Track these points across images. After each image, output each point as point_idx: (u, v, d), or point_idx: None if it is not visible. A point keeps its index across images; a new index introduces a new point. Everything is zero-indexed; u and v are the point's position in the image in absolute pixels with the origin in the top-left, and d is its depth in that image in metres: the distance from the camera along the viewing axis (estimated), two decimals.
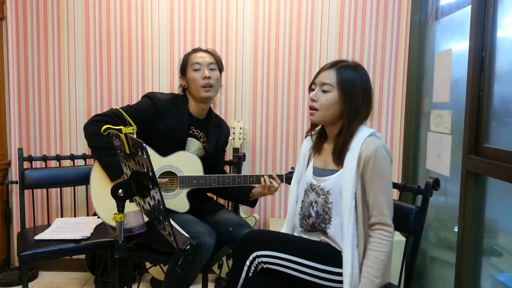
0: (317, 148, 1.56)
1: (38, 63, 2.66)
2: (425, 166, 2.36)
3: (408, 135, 2.57)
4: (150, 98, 1.88)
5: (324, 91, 1.42)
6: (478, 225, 1.70)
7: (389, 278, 1.44)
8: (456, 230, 1.81)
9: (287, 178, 1.82)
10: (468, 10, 1.84)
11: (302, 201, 1.55)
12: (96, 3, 2.61)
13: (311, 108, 1.46)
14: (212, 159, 2.00)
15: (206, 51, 1.95)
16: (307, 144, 1.61)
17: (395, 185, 1.65)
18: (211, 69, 1.90)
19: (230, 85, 2.63)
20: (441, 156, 2.14)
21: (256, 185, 1.86)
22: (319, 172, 1.50)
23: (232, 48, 2.61)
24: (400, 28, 2.56)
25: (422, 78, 2.49)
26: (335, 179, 1.43)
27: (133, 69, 2.65)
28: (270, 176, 1.83)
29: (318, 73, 1.47)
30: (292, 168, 1.86)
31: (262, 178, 1.82)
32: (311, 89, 1.49)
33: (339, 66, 1.43)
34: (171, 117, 1.87)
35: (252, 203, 1.97)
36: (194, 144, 1.94)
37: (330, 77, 1.42)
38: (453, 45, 2.10)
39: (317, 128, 1.58)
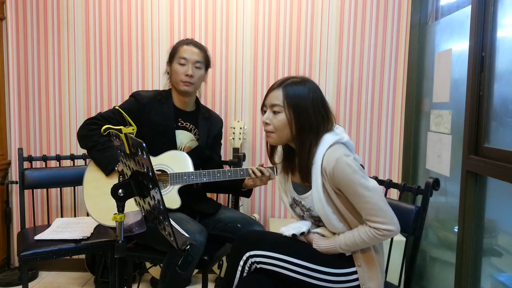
0: (289, 168, 1.53)
1: (38, 63, 2.66)
2: (425, 166, 2.36)
3: (408, 135, 2.57)
4: (134, 96, 1.96)
5: (274, 112, 1.41)
6: (478, 225, 1.70)
7: (383, 278, 1.43)
8: (456, 230, 1.81)
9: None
10: (468, 10, 1.84)
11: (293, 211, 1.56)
12: (96, 3, 2.61)
13: (266, 131, 1.44)
14: (206, 152, 2.01)
15: (197, 46, 1.94)
16: (281, 176, 1.57)
17: (395, 185, 1.65)
18: (196, 67, 1.92)
19: (230, 85, 2.63)
20: (441, 156, 2.14)
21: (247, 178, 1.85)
22: (297, 188, 1.49)
23: (232, 48, 2.61)
24: (400, 28, 2.56)
25: (422, 78, 2.48)
26: (311, 197, 1.41)
27: (133, 69, 2.65)
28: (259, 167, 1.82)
29: (267, 94, 1.45)
30: None
31: (250, 170, 1.79)
32: (263, 111, 1.47)
33: (285, 84, 1.41)
34: (156, 112, 1.92)
35: (246, 194, 1.96)
36: (185, 136, 1.96)
37: (278, 97, 1.40)
38: (453, 45, 2.10)
39: (279, 147, 1.56)
